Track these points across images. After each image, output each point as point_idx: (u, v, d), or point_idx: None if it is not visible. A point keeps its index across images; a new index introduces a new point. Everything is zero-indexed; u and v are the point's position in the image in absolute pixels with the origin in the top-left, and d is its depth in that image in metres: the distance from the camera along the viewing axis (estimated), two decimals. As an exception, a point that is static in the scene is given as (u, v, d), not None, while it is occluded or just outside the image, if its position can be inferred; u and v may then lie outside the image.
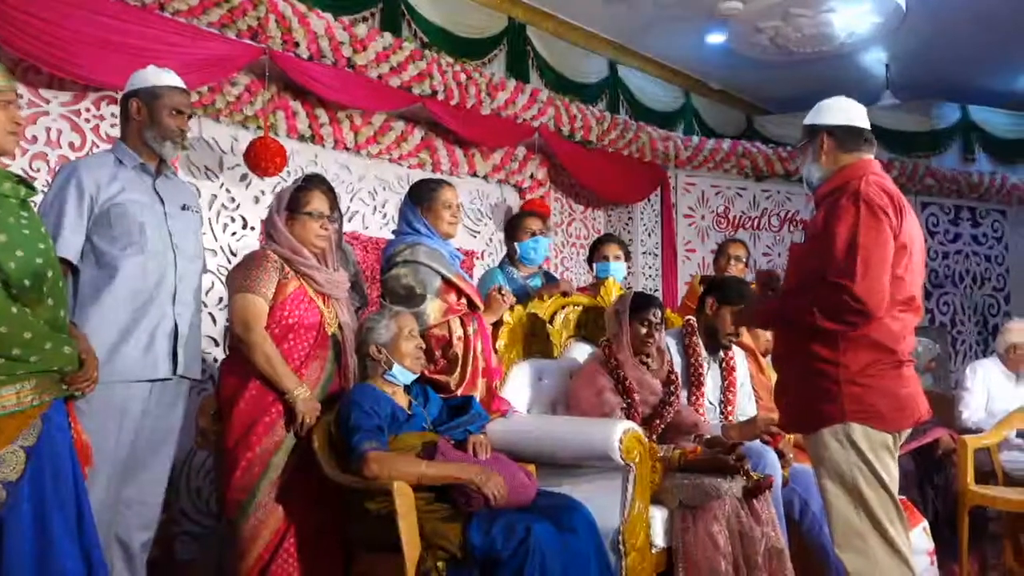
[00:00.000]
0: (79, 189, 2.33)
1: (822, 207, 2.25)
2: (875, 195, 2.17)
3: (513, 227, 3.60)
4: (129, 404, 2.32)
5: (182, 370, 2.46)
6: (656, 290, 6.22)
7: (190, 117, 2.57)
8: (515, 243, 3.54)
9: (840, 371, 2.16)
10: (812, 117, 2.37)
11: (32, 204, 1.91)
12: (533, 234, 3.52)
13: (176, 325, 2.44)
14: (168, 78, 2.50)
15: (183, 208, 2.56)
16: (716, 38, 6.71)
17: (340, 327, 2.64)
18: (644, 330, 2.96)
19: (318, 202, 2.61)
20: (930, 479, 4.18)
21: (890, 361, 2.18)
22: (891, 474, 2.19)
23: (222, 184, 4.00)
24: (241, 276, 2.51)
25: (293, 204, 2.59)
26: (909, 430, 2.29)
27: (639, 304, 3.01)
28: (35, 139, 3.35)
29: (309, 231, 2.58)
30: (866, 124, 2.35)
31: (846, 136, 2.30)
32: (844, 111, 2.34)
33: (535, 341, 3.24)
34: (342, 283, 2.69)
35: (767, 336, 3.40)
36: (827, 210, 2.20)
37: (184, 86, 2.56)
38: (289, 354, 2.50)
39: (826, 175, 2.31)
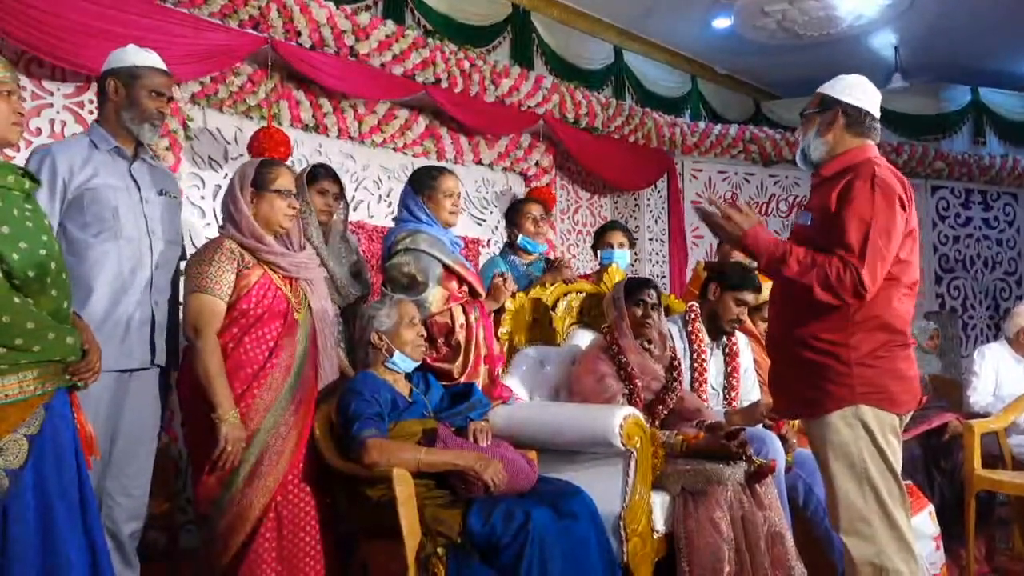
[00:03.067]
0: (52, 173, 2.27)
1: (830, 188, 2.20)
2: (891, 182, 2.15)
3: (515, 213, 3.60)
4: (102, 394, 2.24)
5: (160, 359, 2.40)
6: (663, 277, 6.21)
7: (170, 100, 2.48)
8: (516, 230, 3.55)
9: (850, 352, 2.14)
10: (833, 90, 2.30)
11: (35, 196, 1.93)
12: (535, 220, 3.52)
13: (153, 314, 2.38)
14: (148, 58, 2.41)
15: (160, 193, 2.45)
16: (722, 22, 6.66)
17: (310, 309, 2.49)
18: (640, 311, 2.97)
19: (285, 179, 2.46)
20: (937, 464, 4.15)
21: (899, 342, 2.18)
22: (897, 457, 2.18)
23: (226, 175, 4.01)
24: (196, 273, 2.33)
25: (259, 181, 2.43)
26: (911, 413, 2.29)
27: (633, 287, 3.02)
28: (39, 131, 3.37)
29: (277, 210, 2.42)
30: (878, 112, 2.31)
31: (858, 119, 2.25)
32: (865, 93, 2.28)
33: (538, 328, 3.25)
34: (309, 263, 2.54)
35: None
36: (840, 192, 2.16)
37: (164, 67, 2.45)
38: (256, 344, 2.34)
39: (828, 154, 2.27)
